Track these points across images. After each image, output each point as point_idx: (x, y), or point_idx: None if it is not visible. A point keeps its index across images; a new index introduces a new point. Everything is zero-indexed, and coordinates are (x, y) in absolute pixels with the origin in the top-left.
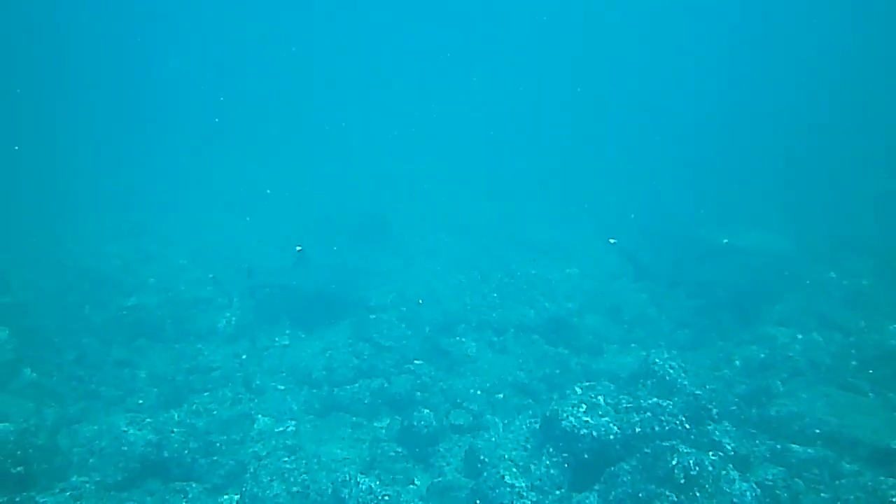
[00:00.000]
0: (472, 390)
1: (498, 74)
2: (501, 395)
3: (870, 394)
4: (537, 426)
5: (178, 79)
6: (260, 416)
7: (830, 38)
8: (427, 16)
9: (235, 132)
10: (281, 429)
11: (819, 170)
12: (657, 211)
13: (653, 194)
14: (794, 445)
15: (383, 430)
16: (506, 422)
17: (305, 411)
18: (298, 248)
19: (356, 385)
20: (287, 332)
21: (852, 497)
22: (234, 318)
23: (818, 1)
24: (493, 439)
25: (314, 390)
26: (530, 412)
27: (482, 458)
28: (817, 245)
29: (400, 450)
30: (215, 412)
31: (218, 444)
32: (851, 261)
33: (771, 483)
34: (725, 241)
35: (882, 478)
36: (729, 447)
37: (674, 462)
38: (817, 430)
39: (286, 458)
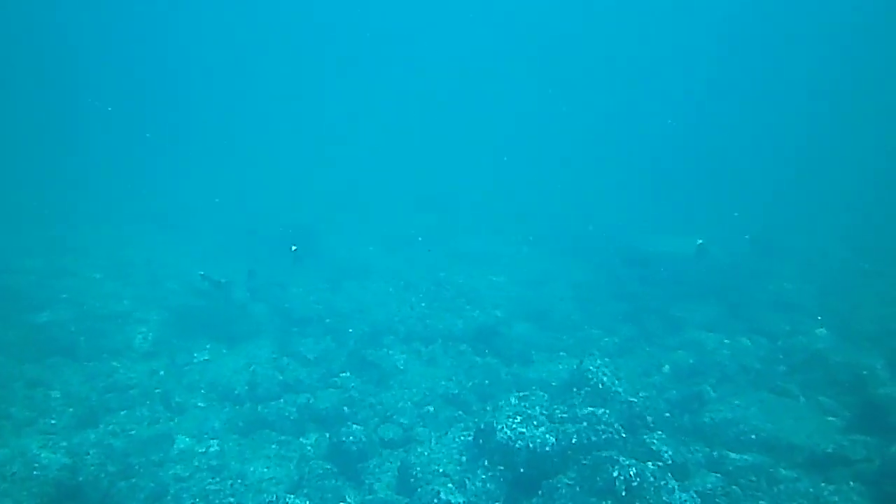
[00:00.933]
0: (401, 403)
1: (441, 88)
2: (432, 408)
3: (801, 398)
4: (471, 439)
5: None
6: (180, 435)
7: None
8: (369, 23)
9: (165, 144)
10: (203, 448)
11: (748, 179)
12: (591, 220)
13: (588, 204)
14: (730, 452)
15: (311, 447)
16: (438, 435)
17: (228, 429)
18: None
19: (281, 401)
20: (207, 346)
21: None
22: (150, 334)
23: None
24: (426, 453)
25: (237, 407)
26: (462, 424)
27: (415, 473)
28: (742, 250)
29: (329, 467)
30: (133, 432)
31: (136, 466)
32: (775, 265)
33: (710, 492)
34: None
35: (823, 484)
36: (667, 456)
37: (615, 473)
38: (753, 436)
39: (209, 480)
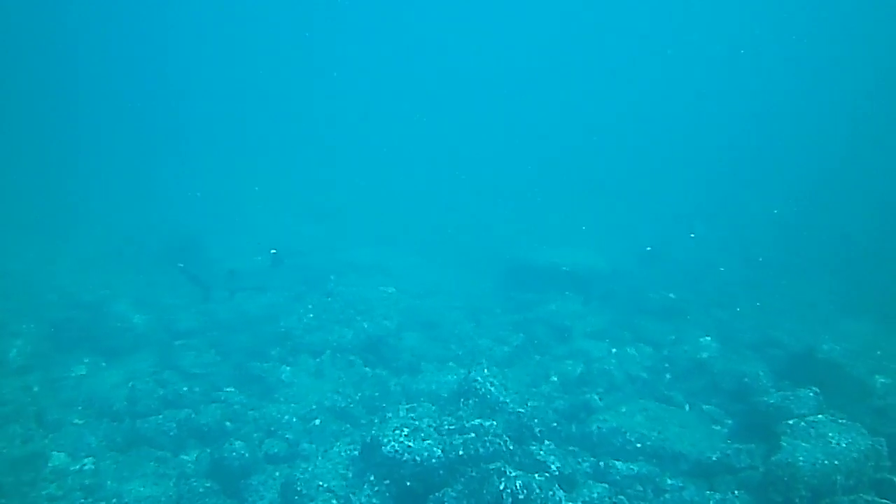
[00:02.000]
0: (287, 417)
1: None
2: (318, 421)
3: (686, 406)
4: (357, 453)
5: None
6: (54, 453)
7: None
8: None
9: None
10: (77, 467)
11: (634, 190)
12: (479, 231)
13: (476, 214)
14: (616, 462)
15: (191, 464)
16: (324, 449)
17: (106, 447)
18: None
19: (160, 416)
20: (85, 360)
21: None
22: (26, 347)
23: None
24: (310, 469)
25: (115, 423)
26: (349, 438)
27: (299, 489)
28: (629, 261)
29: (209, 485)
30: (4, 451)
31: (6, 487)
32: (660, 275)
33: (597, 502)
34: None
35: (708, 492)
36: (554, 467)
37: (501, 486)
38: (639, 445)
39: (83, 500)
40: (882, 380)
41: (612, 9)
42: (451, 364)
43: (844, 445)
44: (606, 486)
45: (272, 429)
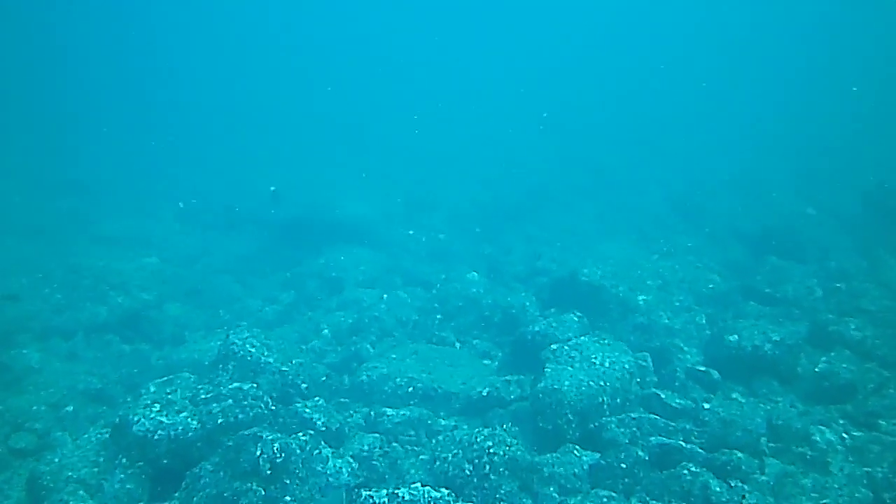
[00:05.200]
0: (35, 406)
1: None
2: (71, 407)
3: (457, 344)
4: (107, 436)
5: None
6: None
7: None
8: None
9: None
10: None
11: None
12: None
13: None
14: (387, 409)
15: None
16: (76, 437)
17: None
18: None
19: None
20: None
21: (450, 455)
22: None
23: None
24: (57, 459)
25: None
26: (103, 421)
27: (46, 483)
28: (397, 209)
29: None
30: None
31: None
32: (427, 219)
33: (367, 454)
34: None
35: (477, 429)
36: (320, 423)
37: (258, 452)
38: (410, 389)
39: None
40: (643, 297)
41: None
42: (218, 330)
43: (608, 365)
44: (378, 435)
45: (19, 421)
